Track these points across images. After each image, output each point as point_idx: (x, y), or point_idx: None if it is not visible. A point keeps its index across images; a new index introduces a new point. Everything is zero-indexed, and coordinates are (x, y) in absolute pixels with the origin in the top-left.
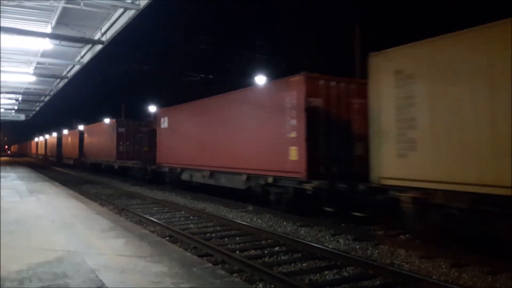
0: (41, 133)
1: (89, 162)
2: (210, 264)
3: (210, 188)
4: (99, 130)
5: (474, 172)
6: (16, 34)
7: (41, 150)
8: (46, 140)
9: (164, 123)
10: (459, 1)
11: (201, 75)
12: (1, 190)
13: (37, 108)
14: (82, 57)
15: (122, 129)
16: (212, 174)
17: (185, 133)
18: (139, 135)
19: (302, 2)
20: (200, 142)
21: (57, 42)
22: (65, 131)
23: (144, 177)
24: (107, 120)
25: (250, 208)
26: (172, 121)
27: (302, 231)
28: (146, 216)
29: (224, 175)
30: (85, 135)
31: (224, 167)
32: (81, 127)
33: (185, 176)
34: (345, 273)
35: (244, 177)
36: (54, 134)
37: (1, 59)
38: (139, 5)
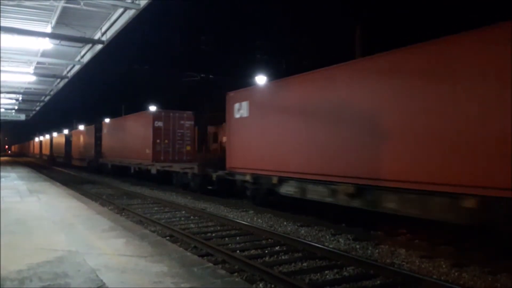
0: (44, 132)
1: (110, 165)
2: (210, 264)
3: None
4: (126, 125)
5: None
6: (16, 34)
7: (46, 150)
8: (51, 139)
9: (241, 110)
10: (458, 2)
11: (201, 75)
12: (2, 190)
13: (37, 108)
14: (82, 57)
15: (159, 123)
16: (359, 191)
17: (287, 123)
18: (180, 131)
19: (303, 2)
20: (325, 137)
21: (57, 41)
22: (81, 127)
23: (203, 187)
24: (139, 113)
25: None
26: (258, 106)
27: (303, 231)
28: (146, 216)
29: (394, 195)
30: (104, 132)
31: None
32: (89, 124)
33: (287, 190)
34: (345, 273)
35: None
36: (64, 131)
37: (1, 59)
38: (139, 4)
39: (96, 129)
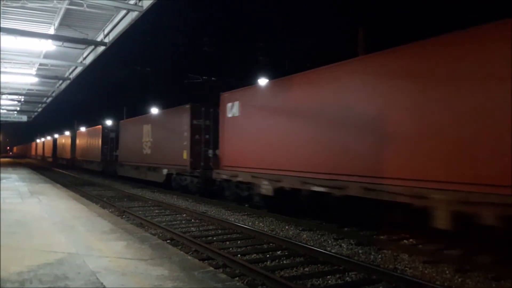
0: (47, 133)
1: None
2: (211, 268)
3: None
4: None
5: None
6: (19, 35)
7: (49, 152)
8: (55, 140)
9: (233, 109)
10: (459, 2)
11: (204, 77)
12: (3, 192)
13: (39, 109)
14: (84, 58)
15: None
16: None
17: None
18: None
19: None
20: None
21: (59, 43)
22: (82, 128)
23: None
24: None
25: (246, 205)
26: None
27: (305, 235)
28: (147, 218)
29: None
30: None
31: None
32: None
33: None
34: (347, 278)
35: None
36: (66, 133)
37: (4, 60)
38: (142, 6)
39: (106, 130)
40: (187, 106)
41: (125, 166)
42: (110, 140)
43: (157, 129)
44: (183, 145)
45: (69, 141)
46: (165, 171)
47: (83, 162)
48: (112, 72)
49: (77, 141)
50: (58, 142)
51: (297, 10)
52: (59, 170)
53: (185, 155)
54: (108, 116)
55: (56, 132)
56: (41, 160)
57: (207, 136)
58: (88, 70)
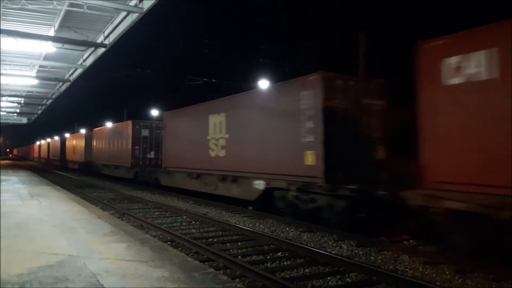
0: (47, 135)
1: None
2: (212, 270)
3: None
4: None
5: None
6: (19, 37)
7: (57, 154)
8: (63, 141)
9: (172, 125)
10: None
11: (204, 79)
12: (3, 194)
13: (39, 111)
14: (84, 60)
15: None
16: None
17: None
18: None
19: (306, 5)
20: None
21: (59, 45)
22: (107, 124)
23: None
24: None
25: (251, 207)
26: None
27: (305, 237)
28: (147, 220)
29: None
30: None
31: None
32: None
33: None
34: (348, 279)
35: None
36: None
37: (4, 62)
38: (142, 8)
39: (143, 126)
40: (315, 76)
41: (175, 174)
42: (143, 139)
43: (241, 119)
44: (305, 143)
45: (82, 141)
46: (260, 185)
47: (103, 167)
48: (112, 73)
49: (95, 142)
50: (67, 143)
51: (300, 12)
52: (59, 172)
53: (312, 158)
54: (109, 118)
55: (56, 134)
56: (46, 163)
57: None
58: (88, 72)
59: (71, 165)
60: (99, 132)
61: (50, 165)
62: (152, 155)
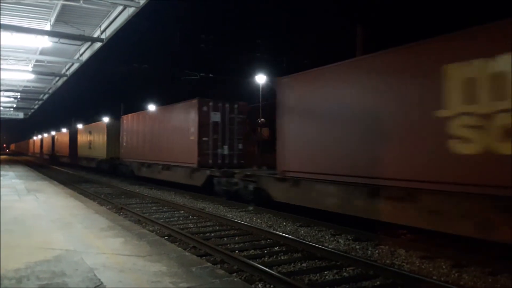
0: (42, 130)
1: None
2: (209, 264)
3: None
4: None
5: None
6: (15, 32)
7: (65, 150)
8: (73, 134)
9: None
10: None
11: (201, 74)
12: (0, 189)
13: (36, 106)
14: (81, 55)
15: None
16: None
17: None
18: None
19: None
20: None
21: (56, 39)
22: (149, 108)
23: None
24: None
25: (251, 208)
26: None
27: (302, 231)
28: (145, 215)
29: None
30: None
31: None
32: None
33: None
34: (345, 273)
35: None
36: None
37: (0, 57)
38: (138, 2)
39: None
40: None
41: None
42: (213, 125)
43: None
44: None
45: (103, 133)
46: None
47: (140, 167)
48: (109, 68)
49: (125, 133)
50: (80, 137)
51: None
52: (56, 168)
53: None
54: (105, 112)
55: (58, 128)
56: (50, 160)
57: None
58: (85, 67)
59: (85, 163)
60: (133, 119)
61: (54, 162)
62: (226, 150)
